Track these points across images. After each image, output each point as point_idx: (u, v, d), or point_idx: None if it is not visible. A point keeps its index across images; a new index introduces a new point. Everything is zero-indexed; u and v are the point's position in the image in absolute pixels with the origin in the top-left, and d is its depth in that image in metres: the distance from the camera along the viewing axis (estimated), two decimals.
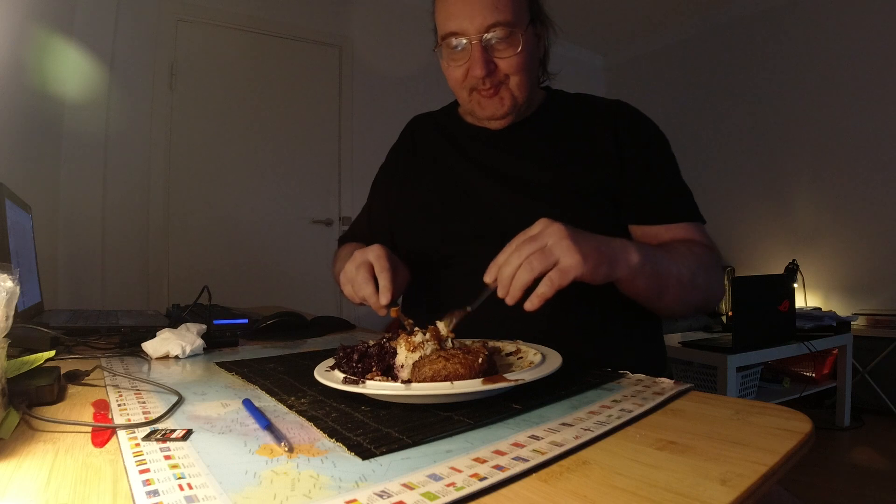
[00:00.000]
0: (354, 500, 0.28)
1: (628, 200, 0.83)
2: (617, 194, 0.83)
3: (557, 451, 0.35)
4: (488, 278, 0.59)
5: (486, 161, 0.89)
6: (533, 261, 0.55)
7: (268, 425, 0.40)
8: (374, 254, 0.71)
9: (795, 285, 2.82)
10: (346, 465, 0.33)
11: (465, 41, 0.78)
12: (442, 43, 0.81)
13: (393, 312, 0.65)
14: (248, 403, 0.46)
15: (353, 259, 0.72)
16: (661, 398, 0.46)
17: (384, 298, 0.67)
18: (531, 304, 0.56)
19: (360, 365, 0.51)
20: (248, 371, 0.62)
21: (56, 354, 0.63)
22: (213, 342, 0.81)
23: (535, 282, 0.56)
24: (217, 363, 0.68)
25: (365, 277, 0.69)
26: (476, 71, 0.78)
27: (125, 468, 0.33)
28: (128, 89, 2.44)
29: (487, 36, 0.77)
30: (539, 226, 0.58)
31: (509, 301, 0.57)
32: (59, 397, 0.50)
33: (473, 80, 0.80)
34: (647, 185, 0.83)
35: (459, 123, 0.96)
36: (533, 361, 0.53)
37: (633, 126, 0.86)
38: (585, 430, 0.39)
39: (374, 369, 0.51)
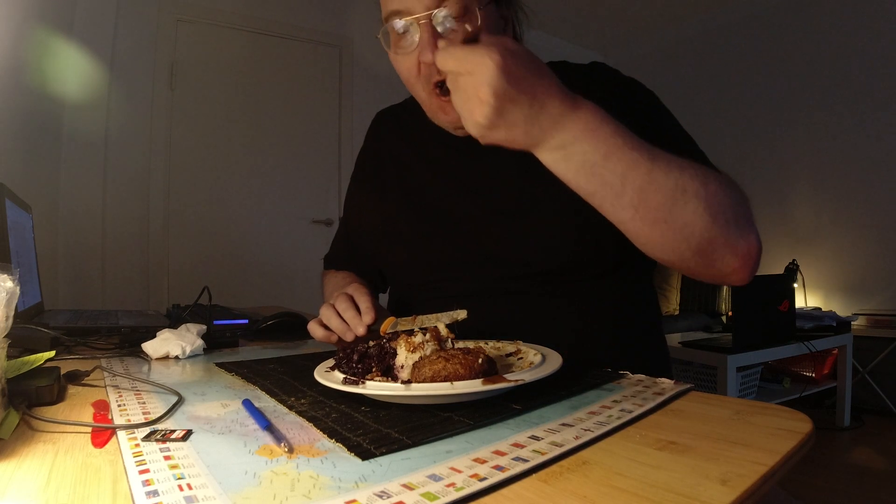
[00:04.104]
0: (354, 501, 0.28)
1: None
2: None
3: (557, 451, 0.35)
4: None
5: (458, 172, 0.76)
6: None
7: (268, 426, 0.40)
8: (353, 288, 0.71)
9: (795, 285, 2.82)
10: (345, 466, 0.33)
11: (411, 21, 0.62)
12: (385, 26, 0.66)
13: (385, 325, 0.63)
14: (247, 404, 0.46)
15: (332, 298, 0.71)
16: (661, 398, 0.46)
17: (367, 317, 0.65)
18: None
19: (360, 365, 0.51)
20: (248, 371, 0.62)
21: (56, 354, 0.63)
22: (213, 342, 0.81)
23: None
24: (217, 363, 0.68)
25: (346, 304, 0.68)
26: (425, 56, 0.61)
27: (125, 468, 0.33)
28: (128, 89, 2.44)
29: (438, 14, 0.61)
30: (470, 64, 0.46)
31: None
32: (59, 397, 0.50)
33: (426, 70, 0.65)
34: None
35: (424, 124, 0.80)
36: (533, 362, 0.53)
37: (613, 90, 0.70)
38: (585, 430, 0.39)
39: (374, 370, 0.51)
